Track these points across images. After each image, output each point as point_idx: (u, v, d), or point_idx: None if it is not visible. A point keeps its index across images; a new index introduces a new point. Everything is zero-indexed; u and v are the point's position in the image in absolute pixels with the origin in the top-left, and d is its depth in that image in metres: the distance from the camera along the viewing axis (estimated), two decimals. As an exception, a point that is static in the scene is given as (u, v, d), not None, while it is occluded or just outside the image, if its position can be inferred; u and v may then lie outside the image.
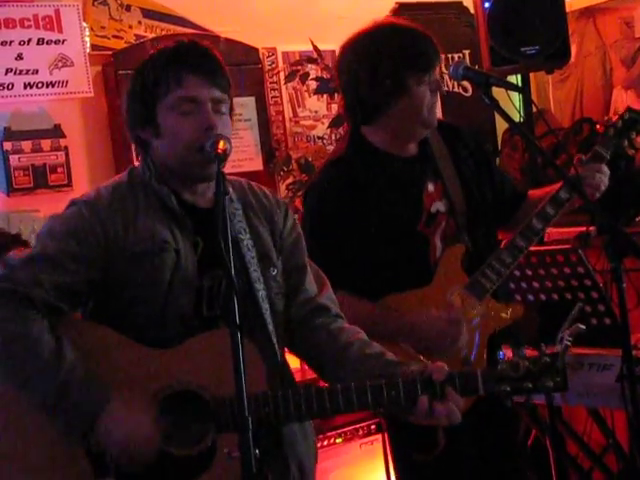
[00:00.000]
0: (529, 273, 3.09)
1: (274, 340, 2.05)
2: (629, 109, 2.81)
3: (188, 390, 1.96)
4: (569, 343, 1.96)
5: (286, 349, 2.19)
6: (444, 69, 3.86)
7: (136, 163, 2.37)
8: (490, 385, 1.91)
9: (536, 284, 3.15)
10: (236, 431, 1.81)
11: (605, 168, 2.67)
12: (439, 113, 3.62)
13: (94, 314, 2.05)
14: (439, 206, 2.66)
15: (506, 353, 2.04)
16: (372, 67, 2.56)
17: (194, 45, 2.09)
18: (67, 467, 1.97)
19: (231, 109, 2.11)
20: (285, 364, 2.15)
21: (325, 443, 3.52)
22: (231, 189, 2.13)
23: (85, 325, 2.06)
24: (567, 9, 4.21)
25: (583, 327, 2.22)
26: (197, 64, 2.03)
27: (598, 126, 3.00)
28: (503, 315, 2.63)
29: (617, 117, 2.82)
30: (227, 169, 1.95)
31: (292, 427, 2.03)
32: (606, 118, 2.95)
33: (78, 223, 2.02)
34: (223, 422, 1.91)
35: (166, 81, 2.02)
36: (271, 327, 2.05)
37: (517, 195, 2.85)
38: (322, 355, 2.12)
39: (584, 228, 2.94)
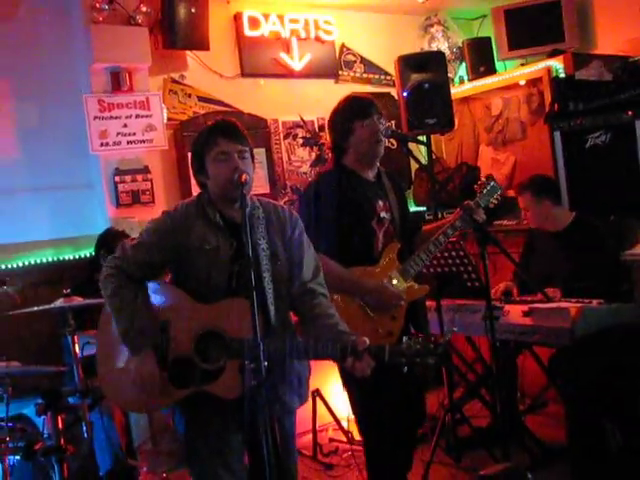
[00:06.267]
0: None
1: (270, 307, 2.23)
2: (489, 177, 3.23)
3: (216, 331, 2.13)
4: (448, 338, 2.06)
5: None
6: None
7: (193, 190, 2.90)
8: (392, 356, 2.01)
9: (435, 262, 3.81)
10: (241, 358, 2.01)
11: (483, 213, 3.02)
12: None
13: (174, 281, 2.33)
14: (384, 214, 2.88)
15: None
16: (336, 119, 2.90)
17: (225, 121, 2.30)
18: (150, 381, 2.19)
19: (252, 155, 2.30)
20: (285, 323, 2.32)
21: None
22: (261, 209, 2.30)
23: (168, 286, 2.36)
24: (452, 97, 4.92)
25: (453, 330, 2.73)
26: (227, 131, 2.25)
27: (476, 186, 3.13)
28: (417, 291, 2.94)
29: (483, 182, 3.15)
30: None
31: (275, 372, 2.17)
32: (479, 182, 3.16)
33: (162, 226, 2.27)
34: (234, 352, 2.09)
35: (209, 144, 2.24)
36: (270, 299, 2.22)
37: (417, 227, 3.15)
38: (304, 319, 2.33)
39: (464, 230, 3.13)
